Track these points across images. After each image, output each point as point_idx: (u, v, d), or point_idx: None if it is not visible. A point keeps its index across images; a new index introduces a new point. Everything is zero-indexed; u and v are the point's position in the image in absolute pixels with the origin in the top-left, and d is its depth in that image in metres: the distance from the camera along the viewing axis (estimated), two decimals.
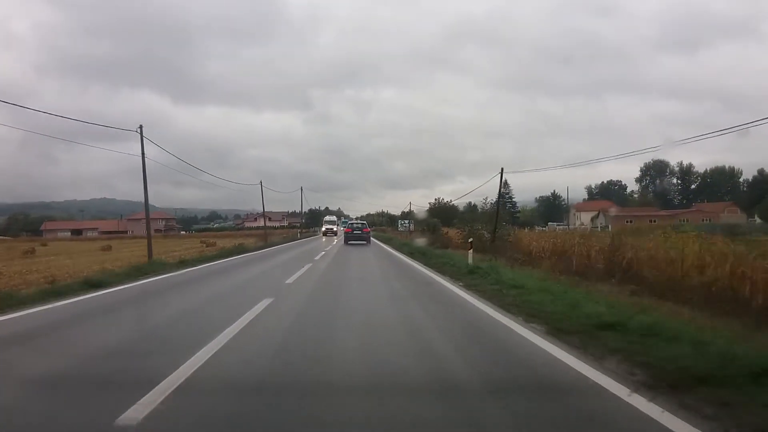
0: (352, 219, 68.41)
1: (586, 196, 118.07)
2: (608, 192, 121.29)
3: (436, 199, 74.11)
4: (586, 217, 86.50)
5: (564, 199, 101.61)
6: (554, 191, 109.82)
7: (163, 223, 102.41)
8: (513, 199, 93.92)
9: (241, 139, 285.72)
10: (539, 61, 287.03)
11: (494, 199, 31.74)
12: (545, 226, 75.19)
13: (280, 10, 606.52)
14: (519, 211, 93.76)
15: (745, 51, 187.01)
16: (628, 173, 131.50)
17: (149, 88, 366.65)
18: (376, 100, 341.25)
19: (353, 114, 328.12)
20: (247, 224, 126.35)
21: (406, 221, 61.41)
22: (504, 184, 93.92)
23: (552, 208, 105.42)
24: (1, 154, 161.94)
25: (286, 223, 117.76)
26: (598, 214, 77.66)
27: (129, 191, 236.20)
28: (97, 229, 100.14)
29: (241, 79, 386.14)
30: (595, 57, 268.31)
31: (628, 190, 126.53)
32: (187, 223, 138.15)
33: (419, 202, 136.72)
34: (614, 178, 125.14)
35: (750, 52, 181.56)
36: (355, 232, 39.77)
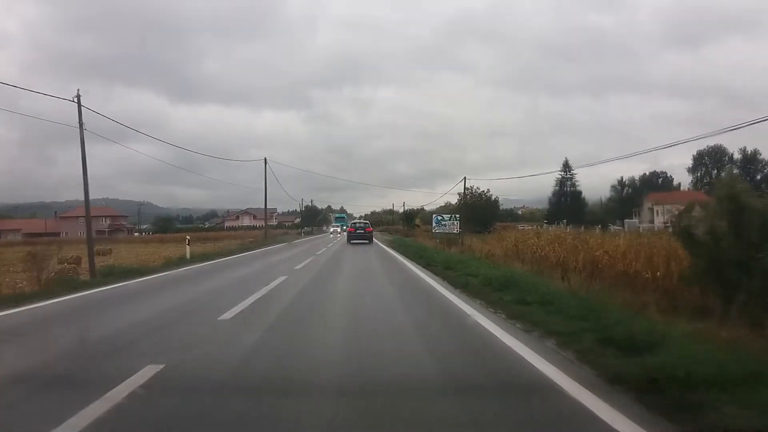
0: (355, 218, 66.91)
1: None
2: (653, 185, 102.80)
3: (469, 188, 52.09)
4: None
5: (630, 189, 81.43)
6: (621, 177, 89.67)
7: (108, 222, 79.93)
8: (578, 188, 74.42)
9: (241, 138, 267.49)
10: (541, 57, 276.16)
11: None
12: (621, 226, 54.52)
13: (277, 8, 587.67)
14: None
15: (750, 47, 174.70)
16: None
17: (147, 87, 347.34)
18: (375, 99, 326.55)
19: (355, 113, 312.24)
20: (227, 224, 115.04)
21: (447, 216, 39.86)
22: (566, 167, 72.74)
23: (619, 201, 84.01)
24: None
25: (274, 222, 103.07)
26: (693, 208, 56.79)
27: (131, 191, 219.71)
28: (20, 230, 77.10)
29: (240, 77, 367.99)
30: (597, 52, 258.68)
31: (675, 182, 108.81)
32: (182, 223, 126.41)
33: (420, 200, 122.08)
34: (658, 170, 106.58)
35: (756, 48, 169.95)
36: (358, 231, 41.04)
